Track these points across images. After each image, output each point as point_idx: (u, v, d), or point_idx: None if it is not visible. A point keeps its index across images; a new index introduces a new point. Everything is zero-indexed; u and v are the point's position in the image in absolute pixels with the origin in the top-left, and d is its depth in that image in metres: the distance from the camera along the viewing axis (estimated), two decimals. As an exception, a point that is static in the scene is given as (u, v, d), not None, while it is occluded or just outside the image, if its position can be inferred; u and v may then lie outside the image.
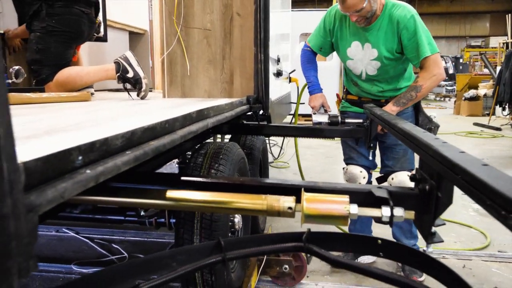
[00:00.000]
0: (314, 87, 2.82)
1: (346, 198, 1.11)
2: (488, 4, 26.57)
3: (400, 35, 2.48)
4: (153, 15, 5.11)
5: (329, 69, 8.99)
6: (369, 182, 2.83)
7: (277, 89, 3.68)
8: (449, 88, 17.31)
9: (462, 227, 3.63)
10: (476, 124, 9.99)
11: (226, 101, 2.28)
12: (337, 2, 2.52)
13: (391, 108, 2.54)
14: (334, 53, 2.89)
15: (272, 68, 3.21)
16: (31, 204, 0.61)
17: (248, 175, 2.46)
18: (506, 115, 9.91)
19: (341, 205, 1.09)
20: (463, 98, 11.98)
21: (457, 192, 3.92)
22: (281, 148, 6.10)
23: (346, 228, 3.04)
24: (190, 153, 2.69)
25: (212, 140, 3.32)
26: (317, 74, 2.87)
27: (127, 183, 1.27)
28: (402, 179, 2.67)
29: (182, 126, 1.44)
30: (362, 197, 1.17)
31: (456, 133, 8.94)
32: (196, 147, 2.31)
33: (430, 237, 1.15)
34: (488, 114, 10.66)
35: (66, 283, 1.01)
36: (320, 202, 1.11)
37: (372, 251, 1.19)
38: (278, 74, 3.55)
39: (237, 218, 2.22)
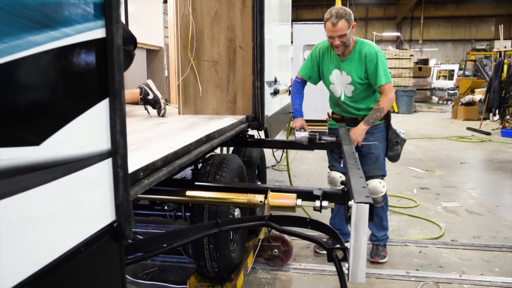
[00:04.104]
0: (297, 113, 3.52)
1: (294, 195, 1.83)
2: (493, 8, 27.05)
3: (366, 66, 3.20)
4: (169, 32, 5.79)
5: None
6: None
7: (275, 104, 4.41)
8: (451, 92, 17.92)
9: (428, 222, 4.31)
10: (469, 128, 10.55)
11: (229, 121, 3.00)
12: (325, 28, 3.16)
13: (362, 127, 3.25)
14: None
15: (269, 89, 3.93)
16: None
17: (246, 180, 3.15)
18: (496, 120, 10.57)
19: (291, 199, 1.82)
20: (460, 103, 12.56)
21: (432, 193, 4.78)
22: (283, 152, 6.82)
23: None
24: (201, 161, 3.42)
25: (219, 150, 4.04)
26: (302, 103, 3.56)
27: (161, 186, 2.00)
28: (374, 185, 3.35)
29: (196, 147, 2.17)
30: (306, 195, 1.89)
31: (448, 137, 9.56)
32: (206, 157, 3.02)
33: (348, 220, 1.86)
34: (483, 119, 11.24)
35: (133, 242, 1.74)
36: (279, 198, 1.84)
37: (304, 225, 1.91)
38: (275, 92, 4.29)
39: (237, 212, 2.92)
